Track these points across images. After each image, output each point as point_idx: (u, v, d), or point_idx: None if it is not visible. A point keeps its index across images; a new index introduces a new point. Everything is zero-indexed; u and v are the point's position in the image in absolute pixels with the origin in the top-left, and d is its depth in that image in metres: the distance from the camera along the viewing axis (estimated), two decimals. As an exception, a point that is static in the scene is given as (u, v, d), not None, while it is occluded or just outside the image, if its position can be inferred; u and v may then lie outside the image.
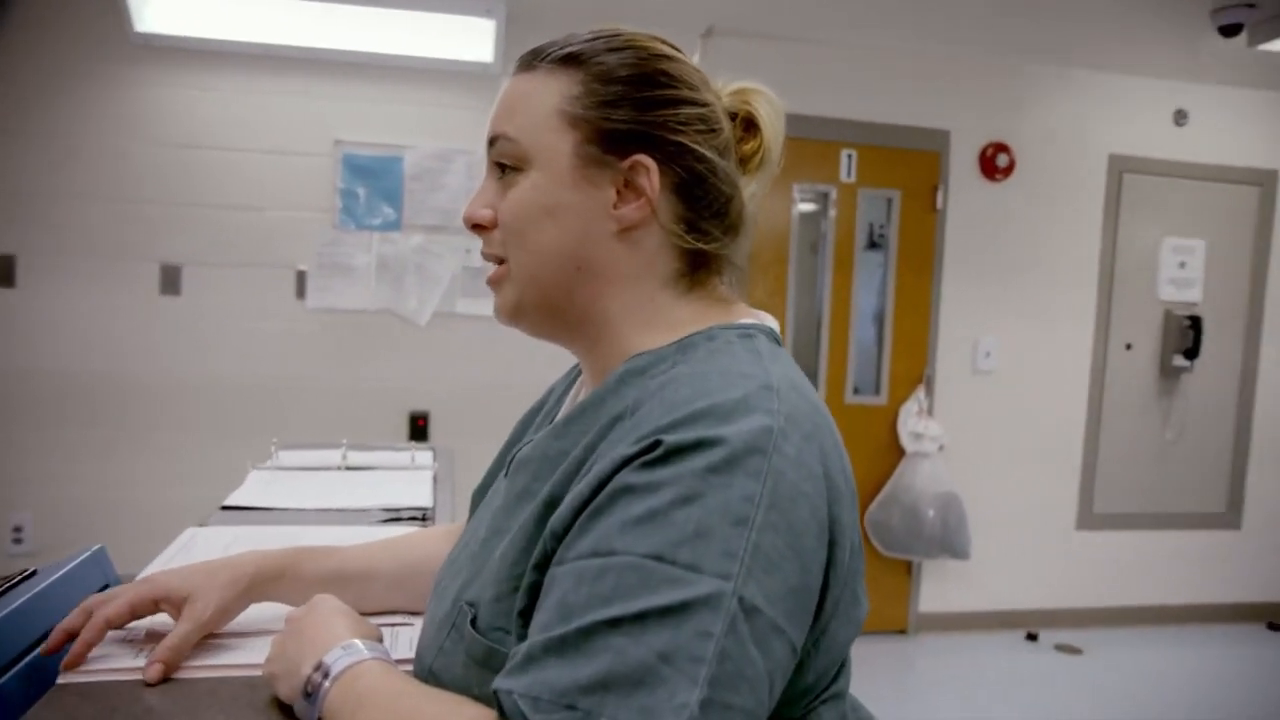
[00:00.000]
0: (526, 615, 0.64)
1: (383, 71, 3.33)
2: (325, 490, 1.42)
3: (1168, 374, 3.99)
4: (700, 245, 0.75)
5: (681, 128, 0.73)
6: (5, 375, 3.13)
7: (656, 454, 0.60)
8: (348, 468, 1.56)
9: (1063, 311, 3.93)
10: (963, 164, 3.80)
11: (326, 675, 0.69)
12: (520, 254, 0.75)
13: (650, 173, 0.72)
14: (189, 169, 3.22)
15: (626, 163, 0.73)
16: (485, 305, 3.44)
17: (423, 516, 1.29)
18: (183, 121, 3.22)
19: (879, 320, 3.81)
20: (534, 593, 0.64)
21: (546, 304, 0.76)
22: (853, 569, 0.66)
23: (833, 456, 0.66)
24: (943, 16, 3.31)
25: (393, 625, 0.91)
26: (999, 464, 3.84)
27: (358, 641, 0.72)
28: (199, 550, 1.11)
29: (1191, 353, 3.91)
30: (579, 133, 0.73)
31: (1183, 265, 3.98)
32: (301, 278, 3.32)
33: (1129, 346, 3.98)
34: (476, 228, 0.77)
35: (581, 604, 0.57)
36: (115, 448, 3.22)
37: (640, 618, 0.54)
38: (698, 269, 0.77)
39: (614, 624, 0.55)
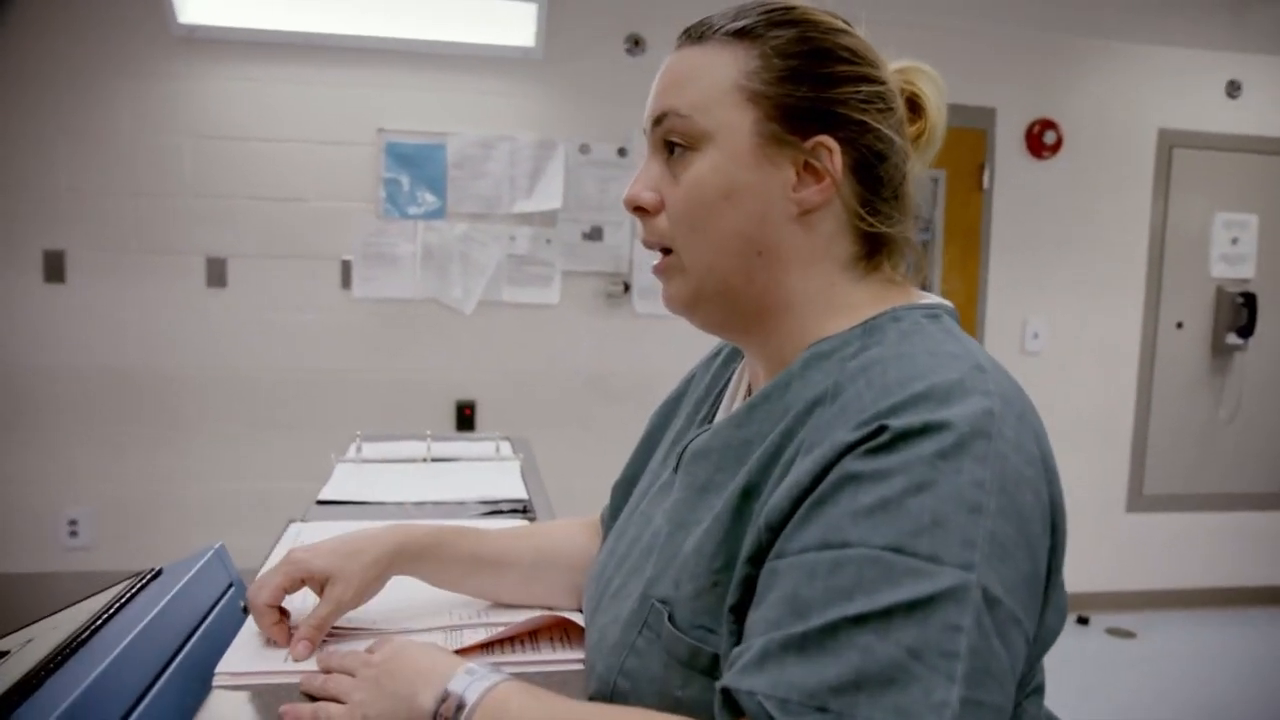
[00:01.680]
0: (739, 611, 0.61)
1: (424, 59, 3.29)
2: (416, 483, 1.40)
3: (1220, 352, 3.92)
4: (879, 228, 0.72)
5: (864, 106, 0.70)
6: (58, 370, 3.13)
7: (882, 440, 0.57)
8: (433, 459, 1.54)
9: (1112, 290, 3.87)
10: (1009, 142, 3.74)
11: (462, 706, 0.63)
12: (696, 240, 0.71)
13: (833, 154, 0.69)
14: (232, 161, 3.21)
15: (810, 143, 0.69)
16: (531, 293, 3.42)
17: (523, 509, 1.27)
18: (225, 113, 3.20)
19: (926, 302, 3.76)
20: (747, 587, 0.61)
21: (725, 293, 0.72)
22: (1063, 552, 0.64)
23: (1042, 438, 0.64)
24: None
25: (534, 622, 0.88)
26: (1047, 446, 3.77)
27: (476, 665, 0.67)
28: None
29: (1245, 330, 3.83)
30: (759, 109, 0.69)
31: (1235, 241, 3.90)
32: (347, 268, 3.30)
33: (1180, 325, 3.91)
34: (639, 210, 0.74)
35: (819, 600, 0.54)
36: (167, 441, 3.22)
37: (886, 613, 0.52)
38: (874, 252, 0.73)
39: (859, 621, 0.53)
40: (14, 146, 3.05)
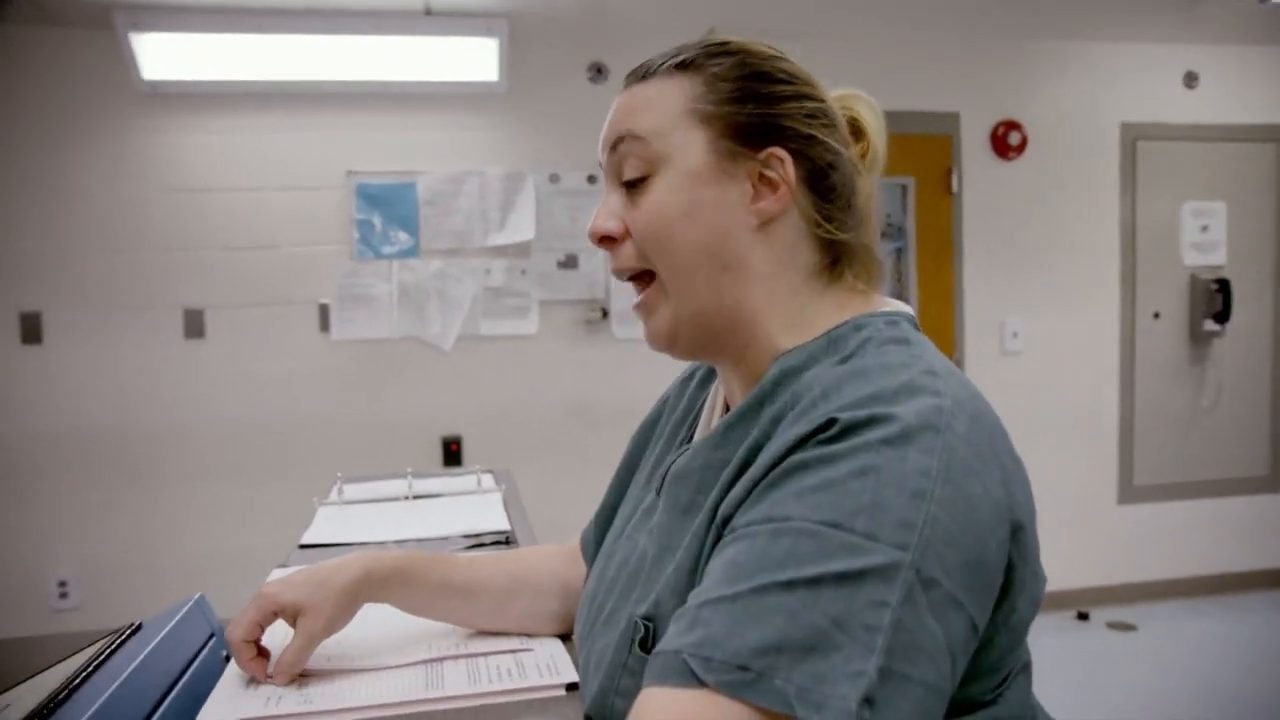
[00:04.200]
0: None
1: (389, 99, 3.31)
2: (399, 521, 1.39)
3: (1199, 340, 3.95)
4: (836, 235, 0.75)
5: (809, 120, 0.73)
6: (40, 433, 3.11)
7: (832, 431, 0.60)
8: (415, 497, 1.53)
9: (1087, 285, 3.90)
10: (975, 145, 3.78)
11: None
12: (666, 261, 0.74)
13: (785, 164, 0.72)
14: (205, 212, 3.21)
15: (762, 155, 0.73)
16: (509, 325, 3.42)
17: (505, 540, 1.27)
18: (195, 165, 3.21)
19: (904, 308, 3.78)
20: None
21: (699, 313, 0.75)
22: (1033, 546, 0.65)
23: (998, 437, 0.65)
24: (943, 2, 3.30)
25: (514, 651, 0.88)
26: (1034, 444, 3.74)
27: None
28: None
29: (1221, 316, 3.87)
30: (711, 129, 0.73)
31: (1205, 229, 3.95)
32: (324, 311, 3.30)
33: (1157, 315, 3.95)
34: (605, 240, 0.76)
35: (752, 566, 0.56)
36: (153, 497, 3.19)
37: (815, 582, 0.54)
38: (834, 261, 0.76)
39: (788, 586, 0.54)
40: (-15, 209, 3.05)
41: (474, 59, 3.28)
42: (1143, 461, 3.98)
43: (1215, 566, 4.04)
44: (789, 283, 0.74)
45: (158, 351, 3.18)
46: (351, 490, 1.57)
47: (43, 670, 0.86)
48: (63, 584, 3.14)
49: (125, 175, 3.15)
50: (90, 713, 0.67)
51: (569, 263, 3.45)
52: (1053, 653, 3.48)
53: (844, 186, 0.76)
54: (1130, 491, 3.97)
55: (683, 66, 0.74)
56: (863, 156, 0.79)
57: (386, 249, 3.34)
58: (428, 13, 3.12)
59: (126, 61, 3.02)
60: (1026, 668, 0.72)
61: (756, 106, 0.73)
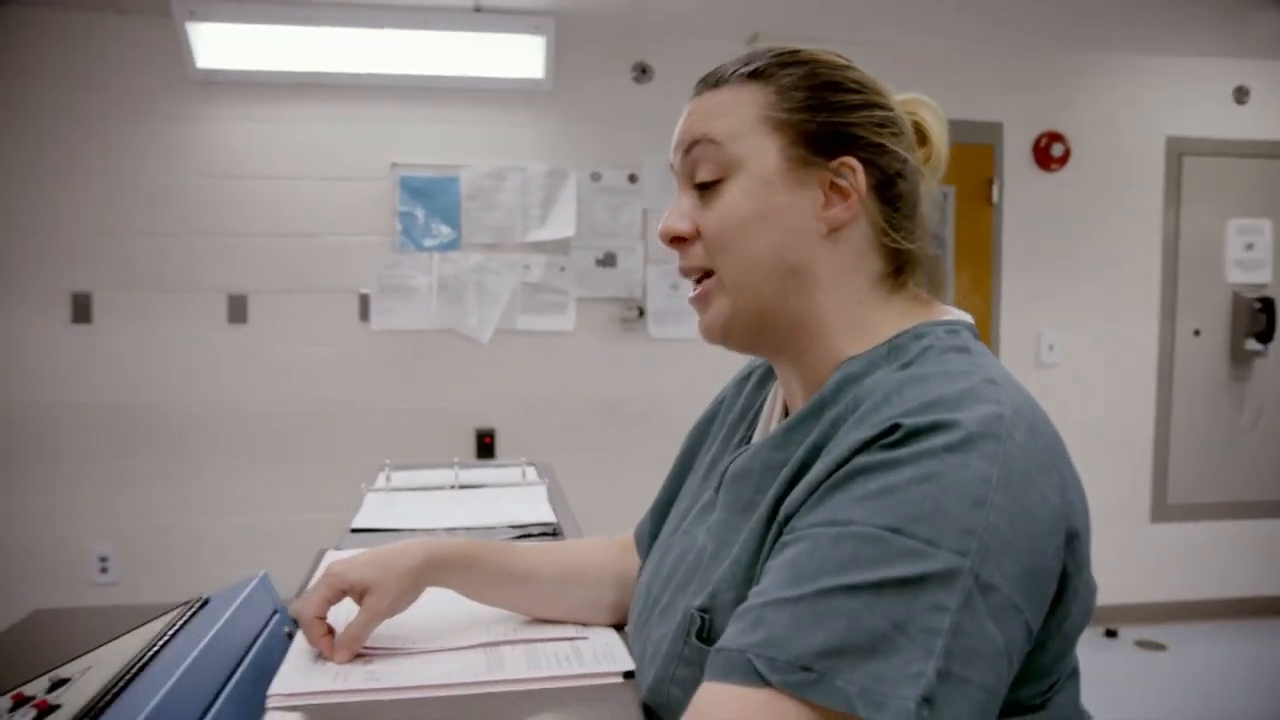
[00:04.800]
0: None
1: (436, 94, 3.35)
2: (446, 509, 1.42)
3: (1240, 359, 3.91)
4: (903, 244, 0.76)
5: (879, 129, 0.75)
6: (86, 409, 3.18)
7: (895, 436, 0.61)
8: (460, 486, 1.56)
9: (1126, 300, 3.87)
10: (1017, 155, 3.76)
11: None
12: (732, 262, 0.75)
13: (856, 172, 0.74)
14: (252, 199, 3.27)
15: (834, 163, 0.74)
16: (546, 321, 3.45)
17: (553, 532, 1.29)
18: (243, 154, 3.26)
19: (940, 317, 3.77)
20: None
21: (760, 314, 0.76)
22: (1087, 554, 0.67)
23: (1056, 446, 0.66)
24: (988, 12, 3.29)
25: (570, 639, 0.90)
26: (1067, 458, 3.76)
27: None
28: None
29: (1265, 335, 3.82)
30: (784, 136, 0.74)
31: (1250, 247, 3.90)
32: (365, 300, 3.34)
33: (1197, 333, 3.91)
34: (676, 240, 0.78)
35: (815, 569, 0.58)
36: (194, 475, 3.26)
37: (877, 587, 0.56)
38: (898, 269, 0.77)
39: (850, 590, 0.56)
40: (43, 190, 3.12)
41: (521, 56, 3.31)
42: (1177, 480, 3.93)
43: (1248, 589, 3.99)
44: (854, 289, 0.75)
45: (201, 334, 3.24)
46: (398, 478, 1.60)
47: (115, 638, 0.89)
48: (104, 559, 3.21)
49: (176, 161, 3.21)
50: (171, 682, 0.70)
51: (607, 261, 3.47)
52: (1083, 669, 3.45)
53: (910, 194, 0.77)
54: (1164, 510, 3.93)
55: (755, 75, 0.75)
56: (927, 160, 0.81)
57: (428, 241, 3.37)
58: (477, 9, 3.16)
59: (181, 50, 3.08)
60: (1075, 674, 0.74)
61: (828, 115, 0.74)
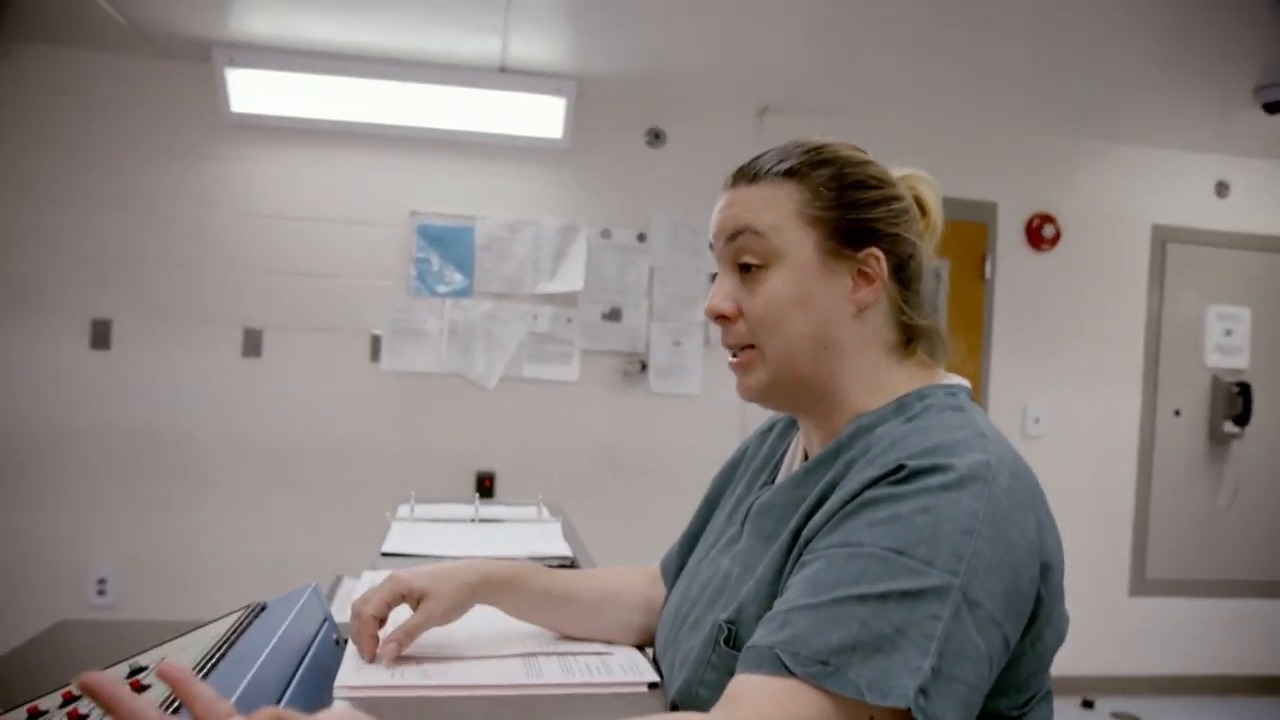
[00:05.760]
0: None
1: (457, 146, 3.50)
2: (467, 540, 1.51)
3: (1218, 440, 4.04)
4: (917, 320, 0.89)
5: (895, 221, 0.87)
6: (98, 432, 3.25)
7: (900, 475, 0.74)
8: (480, 520, 1.65)
9: (1110, 378, 4.00)
10: (1010, 234, 3.93)
11: None
12: (775, 340, 0.87)
13: (880, 261, 0.86)
14: (272, 239, 3.38)
15: (862, 254, 0.86)
16: (551, 370, 3.55)
17: (571, 565, 1.37)
18: (268, 194, 3.39)
19: (931, 385, 3.88)
20: None
21: (795, 382, 0.88)
22: (1060, 587, 0.79)
23: (1035, 492, 0.79)
24: (989, 94, 3.47)
25: (600, 654, 0.99)
26: (1050, 529, 3.84)
27: None
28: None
29: (1242, 419, 3.96)
30: (819, 231, 0.86)
31: (1229, 333, 4.06)
32: (376, 341, 3.44)
33: (1178, 413, 4.04)
34: (721, 318, 0.89)
35: (832, 581, 0.71)
36: (199, 503, 3.32)
37: (883, 597, 0.68)
38: (909, 340, 0.90)
39: (861, 599, 0.69)
40: (71, 219, 3.24)
41: (541, 116, 3.47)
42: (1156, 555, 4.03)
43: (1224, 667, 4.07)
44: (873, 358, 0.88)
45: (216, 366, 3.33)
46: (420, 510, 1.69)
47: (185, 633, 0.97)
48: (102, 581, 3.25)
49: (203, 198, 3.34)
50: (245, 681, 0.78)
51: (613, 315, 3.59)
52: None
53: (919, 271, 0.90)
54: (1142, 584, 4.02)
55: (790, 174, 0.87)
56: (925, 230, 0.93)
57: (441, 287, 3.49)
58: (503, 70, 3.32)
59: (218, 93, 3.23)
60: (1049, 696, 0.85)
61: (856, 213, 0.86)
